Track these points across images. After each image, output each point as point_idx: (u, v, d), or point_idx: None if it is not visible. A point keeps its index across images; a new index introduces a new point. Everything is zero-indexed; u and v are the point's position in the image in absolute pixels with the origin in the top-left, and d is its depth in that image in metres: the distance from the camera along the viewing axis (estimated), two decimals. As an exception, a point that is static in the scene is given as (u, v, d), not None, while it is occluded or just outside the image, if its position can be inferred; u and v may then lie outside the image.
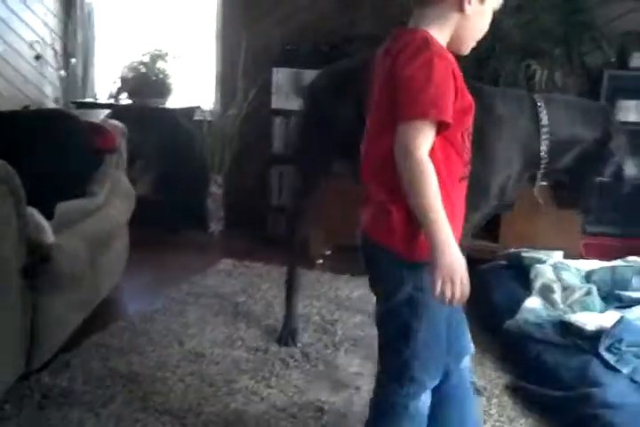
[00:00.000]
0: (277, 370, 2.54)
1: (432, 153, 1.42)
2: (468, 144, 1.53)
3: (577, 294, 2.87)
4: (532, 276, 3.06)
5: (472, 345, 1.78)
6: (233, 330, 2.88)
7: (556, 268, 3.12)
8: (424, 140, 1.40)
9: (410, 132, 1.40)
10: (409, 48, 1.43)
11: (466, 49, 1.55)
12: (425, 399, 1.63)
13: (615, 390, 2.18)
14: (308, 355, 2.67)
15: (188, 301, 3.19)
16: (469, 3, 1.45)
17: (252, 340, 2.79)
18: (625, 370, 2.29)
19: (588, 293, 2.86)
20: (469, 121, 1.50)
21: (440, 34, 1.47)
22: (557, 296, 2.87)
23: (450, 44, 1.50)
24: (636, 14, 3.81)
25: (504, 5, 3.51)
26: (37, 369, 2.42)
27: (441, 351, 1.60)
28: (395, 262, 1.50)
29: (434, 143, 1.43)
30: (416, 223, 1.43)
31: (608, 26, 3.84)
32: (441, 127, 1.42)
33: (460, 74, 1.46)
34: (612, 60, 3.81)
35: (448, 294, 1.40)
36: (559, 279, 3.02)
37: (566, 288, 2.96)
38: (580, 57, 3.85)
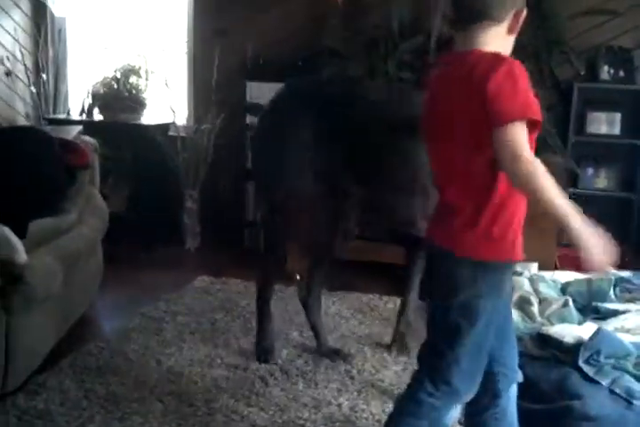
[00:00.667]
0: (257, 388, 2.52)
1: None
2: None
3: (554, 306, 2.87)
4: (508, 288, 3.07)
5: (521, 374, 1.79)
6: (211, 348, 2.85)
7: (532, 280, 3.13)
8: (525, 140, 1.48)
9: (511, 135, 1.46)
10: (483, 64, 1.53)
11: None
12: (453, 412, 1.68)
13: (595, 402, 2.19)
14: (287, 372, 2.65)
15: (165, 319, 3.15)
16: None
17: (231, 358, 2.77)
18: (604, 382, 2.29)
19: (565, 304, 2.87)
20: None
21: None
22: (535, 309, 2.87)
23: None
24: (604, 28, 3.88)
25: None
26: (12, 391, 2.37)
27: (480, 364, 1.64)
28: (459, 263, 1.56)
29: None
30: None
31: (577, 39, 3.90)
32: (532, 128, 1.50)
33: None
34: (582, 73, 3.86)
35: (598, 252, 1.44)
36: (536, 292, 3.03)
37: (543, 300, 2.97)
38: (551, 70, 3.90)
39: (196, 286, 3.62)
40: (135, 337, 2.93)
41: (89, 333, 3.00)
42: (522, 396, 2.35)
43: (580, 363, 2.37)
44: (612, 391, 2.26)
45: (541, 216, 3.26)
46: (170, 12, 4.67)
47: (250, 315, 3.21)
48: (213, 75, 4.27)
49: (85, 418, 2.26)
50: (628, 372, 2.35)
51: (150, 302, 3.34)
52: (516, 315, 2.83)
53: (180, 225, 4.43)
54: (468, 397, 1.67)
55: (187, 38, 4.60)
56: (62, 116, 4.69)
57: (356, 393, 2.50)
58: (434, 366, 1.64)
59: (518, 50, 3.71)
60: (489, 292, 1.55)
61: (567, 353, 2.45)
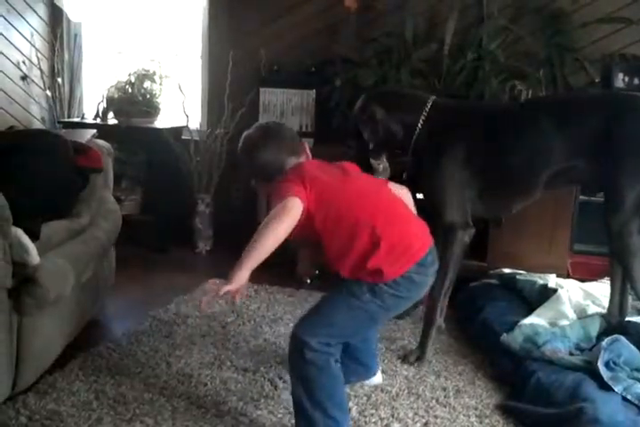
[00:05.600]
0: (266, 391, 2.51)
1: None
2: None
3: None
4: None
5: None
6: (222, 351, 2.85)
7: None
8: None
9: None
10: None
11: None
12: None
13: (607, 407, 2.17)
14: (297, 375, 2.64)
15: (176, 321, 3.16)
16: None
17: (241, 360, 2.76)
18: (617, 388, 2.28)
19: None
20: None
21: None
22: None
23: None
24: (618, 36, 3.86)
25: (489, 26, 3.60)
26: (23, 391, 2.38)
27: None
28: None
29: None
30: None
31: (590, 47, 3.90)
32: None
33: None
34: (597, 80, 3.85)
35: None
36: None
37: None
38: (564, 78, 3.89)
39: (207, 290, 3.62)
40: (145, 339, 2.93)
41: (100, 335, 3.00)
42: (534, 401, 2.35)
43: (600, 364, 2.35)
44: (624, 398, 2.25)
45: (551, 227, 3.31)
46: (185, 16, 4.70)
47: (260, 318, 3.22)
48: (227, 79, 4.28)
49: (94, 419, 2.26)
50: (641, 382, 2.33)
51: (161, 304, 3.35)
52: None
53: (193, 229, 4.44)
54: None
55: (201, 43, 4.63)
56: (77, 119, 4.72)
57: (365, 398, 2.49)
58: None
59: (530, 57, 3.76)
60: None
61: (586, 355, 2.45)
